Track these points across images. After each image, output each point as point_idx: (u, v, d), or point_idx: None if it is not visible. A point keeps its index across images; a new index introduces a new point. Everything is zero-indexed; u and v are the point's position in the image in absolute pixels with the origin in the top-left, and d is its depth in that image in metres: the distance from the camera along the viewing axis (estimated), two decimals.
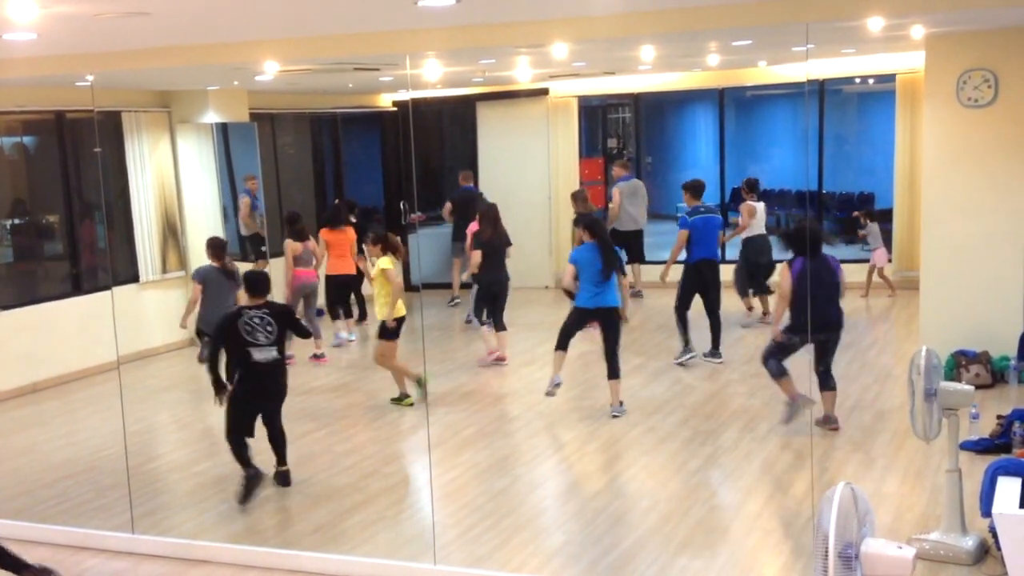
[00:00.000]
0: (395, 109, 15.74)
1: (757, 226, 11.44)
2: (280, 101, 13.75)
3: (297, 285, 10.65)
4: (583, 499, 6.79)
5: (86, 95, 9.53)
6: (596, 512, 6.51)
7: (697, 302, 10.12)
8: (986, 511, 5.32)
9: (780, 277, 7.88)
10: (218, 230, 12.04)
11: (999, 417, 7.45)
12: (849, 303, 12.67)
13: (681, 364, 9.94)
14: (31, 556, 6.26)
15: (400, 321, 8.88)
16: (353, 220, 11.99)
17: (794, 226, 8.98)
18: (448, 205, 13.36)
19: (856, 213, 13.25)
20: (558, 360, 8.72)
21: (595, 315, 8.64)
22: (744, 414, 8.35)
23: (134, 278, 11.59)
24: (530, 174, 14.79)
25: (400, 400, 9.05)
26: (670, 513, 6.47)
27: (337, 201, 13.32)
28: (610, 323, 8.64)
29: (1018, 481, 5.01)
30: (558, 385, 8.74)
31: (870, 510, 4.19)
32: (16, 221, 11.15)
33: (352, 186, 15.45)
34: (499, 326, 10.56)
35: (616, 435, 8.05)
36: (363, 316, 12.07)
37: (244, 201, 12.47)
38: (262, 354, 6.90)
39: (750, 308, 11.52)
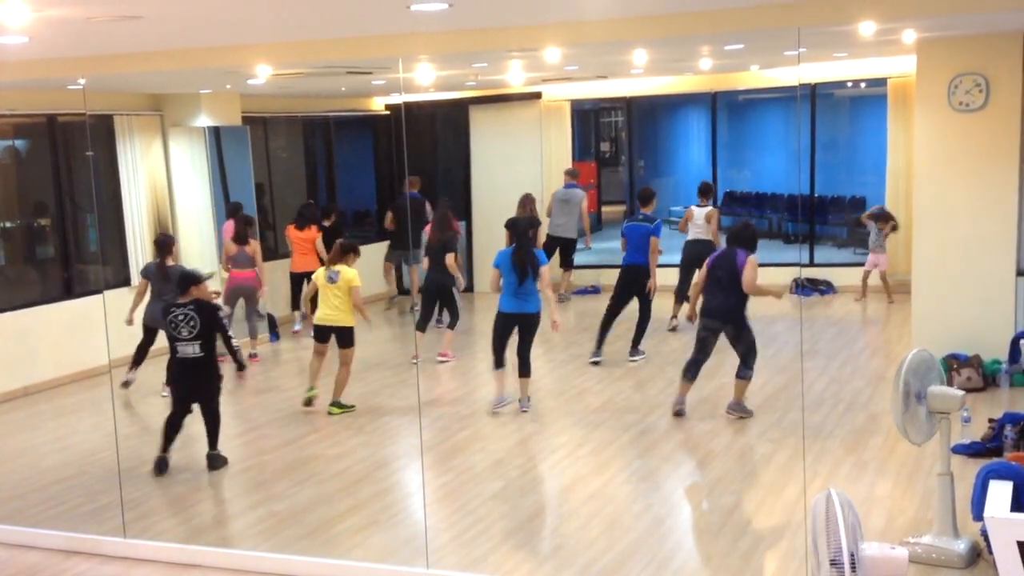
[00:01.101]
0: (388, 113, 15.75)
1: (693, 231, 11.47)
2: (273, 105, 13.74)
3: (230, 287, 10.71)
4: (577, 502, 6.79)
5: (78, 98, 9.54)
6: (590, 515, 6.51)
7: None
8: (978, 515, 5.33)
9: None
10: (211, 233, 12.02)
11: (991, 420, 7.47)
12: (843, 307, 12.76)
13: (594, 363, 10.27)
14: (22, 560, 6.25)
15: (320, 327, 8.91)
16: (327, 223, 12.13)
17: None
18: (389, 215, 13.49)
19: (866, 218, 13.13)
20: (499, 378, 8.85)
21: (514, 320, 8.71)
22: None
23: (125, 282, 11.55)
24: (523, 178, 14.77)
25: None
26: (663, 516, 6.47)
27: (310, 201, 13.37)
28: (526, 328, 8.75)
29: (1010, 485, 5.02)
30: (504, 404, 8.80)
31: (856, 513, 4.21)
32: (7, 224, 11.13)
33: (344, 190, 15.45)
34: (449, 325, 10.88)
35: (608, 438, 8.06)
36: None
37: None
38: (185, 348, 7.36)
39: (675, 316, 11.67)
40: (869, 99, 16.44)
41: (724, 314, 8.22)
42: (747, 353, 8.25)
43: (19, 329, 10.31)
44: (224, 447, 8.62)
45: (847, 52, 11.46)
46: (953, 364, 8.76)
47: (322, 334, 8.95)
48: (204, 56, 7.14)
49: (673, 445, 7.80)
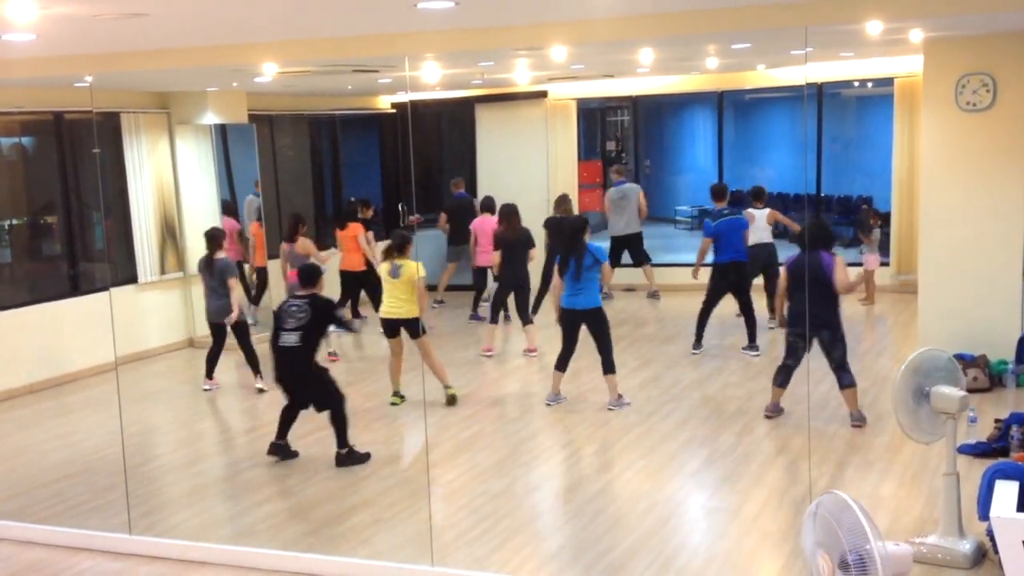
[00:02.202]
0: (394, 111, 15.77)
1: (755, 234, 11.43)
2: (279, 103, 13.76)
3: (289, 284, 10.69)
4: (581, 501, 6.79)
5: (85, 96, 9.55)
6: (594, 514, 6.51)
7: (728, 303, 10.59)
8: (984, 515, 5.32)
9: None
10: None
11: (997, 421, 7.46)
12: (849, 306, 12.70)
13: (694, 354, 10.43)
14: (27, 557, 6.27)
15: (387, 321, 8.91)
16: (366, 217, 12.17)
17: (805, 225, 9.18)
18: (443, 215, 13.54)
19: (867, 214, 13.13)
20: (555, 378, 8.98)
21: (575, 316, 8.77)
22: (742, 416, 8.36)
23: (132, 279, 11.59)
24: (529, 176, 14.81)
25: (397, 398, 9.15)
26: (668, 515, 6.47)
27: (352, 199, 13.38)
28: (592, 323, 8.78)
29: (1016, 485, 5.01)
30: (553, 402, 8.96)
31: (864, 513, 4.19)
32: (15, 221, 11.15)
33: (350, 188, 15.46)
34: (525, 320, 10.94)
35: (614, 436, 8.06)
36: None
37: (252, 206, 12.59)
38: (284, 338, 7.50)
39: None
40: (876, 99, 16.42)
41: (819, 320, 7.92)
42: (842, 359, 8.01)
43: (25, 326, 10.33)
44: (231, 444, 8.67)
45: (854, 52, 11.44)
46: (959, 364, 8.73)
47: (391, 328, 8.96)
48: (211, 54, 7.15)
49: (678, 444, 7.79)
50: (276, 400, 9.57)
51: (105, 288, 10.92)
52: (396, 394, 9.14)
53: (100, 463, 7.94)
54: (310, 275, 7.81)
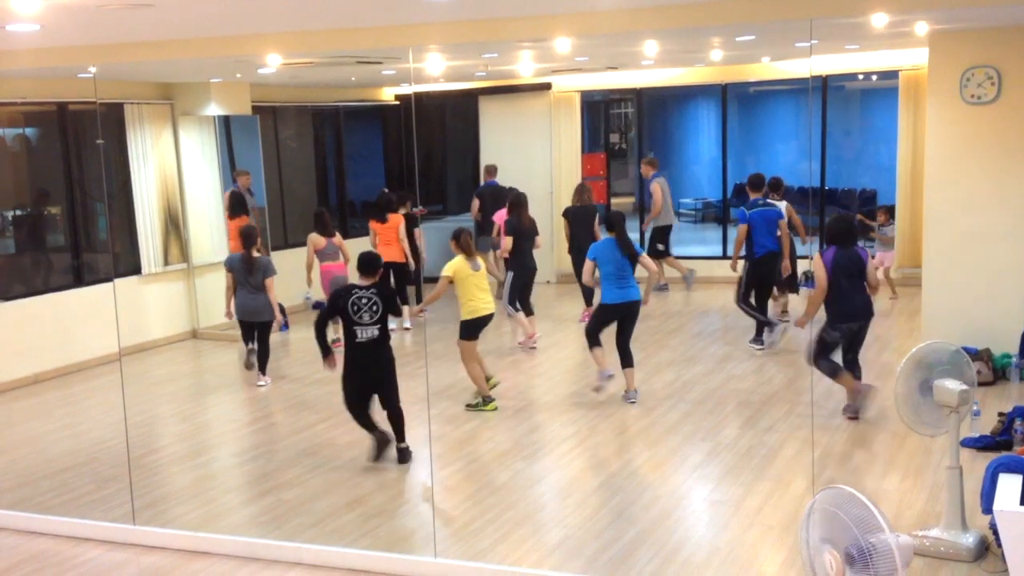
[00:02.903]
0: (397, 103, 15.75)
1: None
2: (282, 94, 13.75)
3: (326, 281, 10.64)
4: (584, 493, 6.79)
5: (89, 87, 9.56)
6: (597, 506, 6.52)
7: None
8: (987, 508, 5.32)
9: (814, 267, 7.93)
10: (220, 223, 12.05)
11: (1000, 414, 7.46)
12: None
13: (772, 344, 10.27)
14: (31, 547, 6.28)
15: (471, 321, 8.64)
16: (403, 212, 12.12)
17: (830, 219, 9.04)
18: (476, 201, 13.48)
19: (876, 211, 13.08)
20: (598, 355, 8.78)
21: (620, 310, 8.68)
22: (745, 410, 8.36)
23: (136, 270, 11.60)
24: (532, 169, 14.80)
25: (476, 406, 8.74)
26: (671, 508, 6.48)
27: (385, 191, 13.33)
28: (631, 317, 8.74)
29: (1019, 478, 5.01)
30: (609, 377, 8.80)
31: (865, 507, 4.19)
32: (19, 212, 11.16)
33: (354, 180, 15.46)
34: (527, 310, 10.95)
35: (618, 429, 8.06)
36: (404, 302, 11.95)
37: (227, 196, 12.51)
38: (364, 332, 7.28)
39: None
40: (881, 91, 16.38)
41: (861, 313, 7.91)
42: (858, 351, 8.02)
43: (29, 317, 10.35)
44: (235, 435, 8.67)
45: (859, 44, 11.42)
46: None
47: (485, 326, 8.76)
48: (215, 45, 7.15)
49: (681, 437, 7.80)
50: (277, 394, 9.60)
51: (109, 279, 10.94)
52: (488, 399, 8.75)
53: (104, 454, 7.95)
54: (375, 264, 7.48)
